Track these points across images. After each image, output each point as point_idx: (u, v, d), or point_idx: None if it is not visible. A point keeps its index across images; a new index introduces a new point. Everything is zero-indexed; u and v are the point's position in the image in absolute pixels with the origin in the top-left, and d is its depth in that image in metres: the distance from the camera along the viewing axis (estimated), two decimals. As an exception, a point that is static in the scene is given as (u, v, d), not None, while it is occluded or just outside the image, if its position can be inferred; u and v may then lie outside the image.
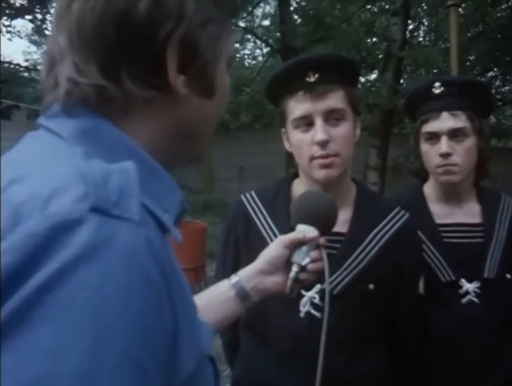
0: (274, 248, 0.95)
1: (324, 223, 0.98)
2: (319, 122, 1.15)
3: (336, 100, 1.16)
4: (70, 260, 0.39)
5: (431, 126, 1.37)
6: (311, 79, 1.15)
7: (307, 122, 1.17)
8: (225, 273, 1.24)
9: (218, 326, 0.90)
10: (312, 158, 1.16)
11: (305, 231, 0.95)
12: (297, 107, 1.17)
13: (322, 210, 0.98)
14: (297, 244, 0.94)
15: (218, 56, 0.59)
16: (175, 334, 0.47)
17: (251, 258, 1.21)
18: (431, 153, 1.38)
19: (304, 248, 0.94)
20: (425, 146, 1.40)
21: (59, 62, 0.54)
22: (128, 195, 0.45)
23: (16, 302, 0.38)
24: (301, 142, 1.18)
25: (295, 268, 0.93)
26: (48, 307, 0.38)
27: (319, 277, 0.97)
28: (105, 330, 0.39)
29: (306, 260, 0.93)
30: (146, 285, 0.43)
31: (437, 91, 1.37)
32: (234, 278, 0.94)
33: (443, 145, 1.35)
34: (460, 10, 6.28)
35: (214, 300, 0.91)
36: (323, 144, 1.14)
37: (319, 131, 1.14)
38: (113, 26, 0.51)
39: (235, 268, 1.23)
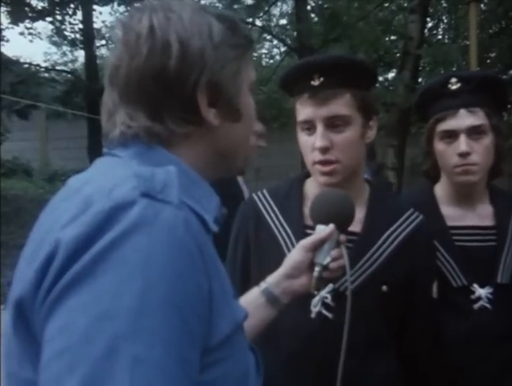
0: (297, 253, 0.99)
1: (342, 221, 0.99)
2: (319, 128, 1.13)
3: (340, 105, 1.13)
4: (125, 230, 0.53)
5: (448, 124, 1.31)
6: (316, 82, 1.13)
7: (309, 126, 1.16)
8: (234, 270, 1.24)
9: (255, 330, 0.96)
10: (314, 163, 1.16)
11: (323, 231, 0.97)
12: (301, 110, 1.17)
13: (339, 208, 0.99)
14: (318, 245, 0.97)
15: (240, 87, 0.73)
16: (210, 297, 0.58)
17: (261, 256, 1.22)
18: (448, 152, 1.33)
19: (325, 248, 0.97)
20: (440, 146, 1.35)
21: (115, 113, 0.69)
22: (170, 186, 0.59)
23: (85, 259, 0.52)
24: (305, 145, 1.18)
25: (317, 269, 0.96)
26: (109, 263, 0.52)
27: (342, 272, 1.00)
28: (150, 281, 0.52)
29: (327, 260, 0.96)
30: (184, 251, 0.55)
31: (453, 87, 1.31)
32: (263, 285, 1.00)
33: (462, 143, 1.29)
34: (481, 5, 6.17)
35: (247, 307, 0.96)
36: (322, 150, 1.13)
37: (318, 138, 1.13)
38: (152, 82, 0.66)
39: (244, 266, 1.24)
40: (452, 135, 1.32)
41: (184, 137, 0.69)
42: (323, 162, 1.14)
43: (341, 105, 1.13)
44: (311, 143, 1.15)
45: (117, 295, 0.51)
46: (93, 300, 0.51)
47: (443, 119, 1.32)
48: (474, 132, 1.30)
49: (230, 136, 0.74)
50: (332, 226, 0.97)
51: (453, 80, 1.32)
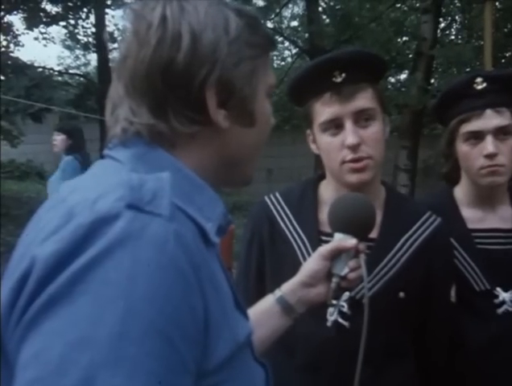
0: (314, 261, 0.96)
1: (362, 229, 0.95)
2: (349, 125, 1.10)
3: (365, 99, 1.11)
4: (107, 246, 0.48)
5: (474, 125, 1.27)
6: (338, 79, 1.10)
7: (335, 125, 1.12)
8: (248, 275, 1.22)
9: (269, 339, 0.93)
10: (343, 162, 1.12)
11: (343, 240, 0.94)
12: (324, 110, 1.13)
13: (360, 215, 0.95)
14: (336, 254, 0.94)
15: (255, 90, 0.67)
16: (206, 318, 0.53)
17: (275, 261, 1.20)
18: (474, 154, 1.29)
19: (343, 257, 0.94)
20: (465, 147, 1.31)
21: (118, 106, 0.65)
22: (160, 196, 0.54)
23: (63, 279, 0.48)
24: (330, 146, 1.13)
25: (335, 279, 0.93)
26: (88, 283, 0.47)
27: (360, 282, 0.97)
28: (134, 303, 0.47)
29: (345, 271, 0.93)
30: (173, 269, 0.50)
31: (479, 87, 1.27)
32: (278, 293, 0.96)
33: (490, 144, 1.25)
34: (496, 4, 6.10)
35: (262, 316, 0.93)
36: (354, 147, 1.09)
37: (349, 134, 1.09)
38: (159, 75, 0.62)
39: (259, 270, 1.22)
40: (477, 136, 1.28)
41: (189, 139, 0.64)
42: (355, 160, 1.10)
43: (366, 99, 1.11)
44: (337, 143, 1.12)
45: (97, 319, 0.46)
46: (70, 324, 0.46)
47: (468, 120, 1.28)
48: (501, 132, 1.27)
49: (240, 142, 0.68)
50: (354, 241, 0.93)
51: (479, 79, 1.28)
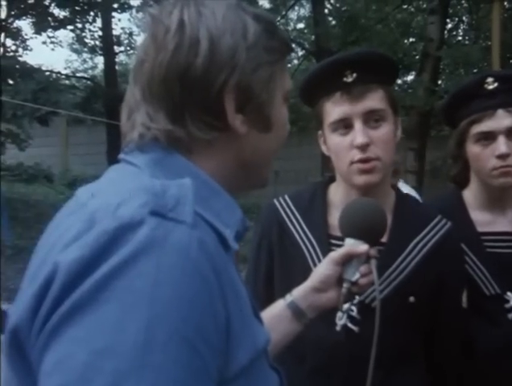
0: (326, 266, 0.95)
1: (373, 235, 0.95)
2: (358, 125, 1.10)
3: (375, 100, 1.10)
4: (131, 254, 0.48)
5: (486, 125, 1.26)
6: (349, 79, 1.10)
7: (345, 125, 1.11)
8: (257, 278, 1.22)
9: (279, 344, 0.92)
10: (352, 163, 1.11)
11: (354, 245, 0.93)
12: (334, 109, 1.12)
13: (371, 221, 0.95)
14: (347, 259, 0.93)
15: (272, 95, 0.67)
16: (228, 325, 0.53)
17: (284, 264, 1.19)
18: (485, 154, 1.27)
19: (354, 263, 0.93)
20: (476, 148, 1.29)
21: (135, 111, 0.64)
22: (183, 203, 0.54)
23: (87, 286, 0.47)
24: (339, 146, 1.13)
25: (345, 285, 0.93)
26: (112, 291, 0.47)
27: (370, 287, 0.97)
28: (158, 311, 0.47)
29: (356, 276, 0.93)
30: (197, 276, 0.50)
31: (490, 87, 1.26)
32: (289, 298, 0.96)
33: (502, 145, 1.24)
34: (505, 3, 6.06)
35: (272, 321, 0.93)
36: (363, 147, 1.09)
37: (358, 134, 1.09)
38: (176, 80, 0.61)
39: (267, 274, 1.21)
40: (489, 137, 1.27)
41: (206, 144, 0.64)
42: (363, 160, 1.09)
43: (377, 100, 1.11)
44: (347, 143, 1.11)
45: (121, 327, 0.46)
46: (94, 332, 0.46)
47: (480, 120, 1.27)
48: None
49: (257, 147, 0.68)
50: (366, 246, 0.93)
51: (490, 79, 1.27)
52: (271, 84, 0.67)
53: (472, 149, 1.30)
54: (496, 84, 1.26)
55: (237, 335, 0.54)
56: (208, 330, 0.50)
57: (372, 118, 1.10)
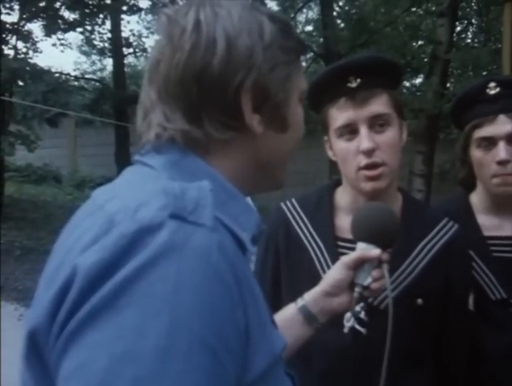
0: (338, 270, 0.95)
1: (385, 239, 0.95)
2: (363, 130, 1.10)
3: (380, 104, 1.10)
4: (151, 257, 0.47)
5: (487, 131, 1.25)
6: (353, 84, 1.10)
7: (350, 130, 1.11)
8: (264, 281, 1.21)
9: (290, 349, 0.91)
10: (359, 169, 1.11)
11: (367, 250, 0.93)
12: (339, 115, 1.12)
13: (384, 225, 0.95)
14: (359, 264, 0.93)
15: (289, 94, 0.67)
16: (247, 331, 0.52)
17: (291, 267, 1.19)
18: (486, 160, 1.27)
19: (366, 267, 0.93)
20: (478, 153, 1.28)
21: (151, 111, 0.64)
22: (202, 205, 0.53)
23: (106, 290, 0.47)
24: (346, 152, 1.13)
25: (357, 289, 0.93)
26: (132, 295, 0.46)
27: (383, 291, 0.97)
28: (179, 316, 0.46)
29: (368, 280, 0.93)
30: (218, 281, 0.49)
31: (492, 92, 1.25)
32: (300, 302, 0.95)
33: (502, 151, 1.23)
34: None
35: (283, 325, 0.92)
36: (369, 153, 1.09)
37: (364, 139, 1.09)
38: (193, 80, 0.61)
39: (274, 276, 1.22)
40: (490, 142, 1.26)
41: (223, 145, 0.63)
42: (370, 166, 1.09)
43: (381, 104, 1.11)
44: (353, 148, 1.11)
45: (142, 332, 0.45)
46: (114, 337, 0.45)
47: (481, 125, 1.26)
48: None
49: (273, 147, 0.67)
50: (378, 250, 0.93)
51: (492, 84, 1.26)
52: (288, 84, 0.66)
53: (475, 153, 1.29)
54: (498, 89, 1.25)
55: (255, 341, 0.53)
56: (229, 336, 0.49)
57: (377, 123, 1.10)
